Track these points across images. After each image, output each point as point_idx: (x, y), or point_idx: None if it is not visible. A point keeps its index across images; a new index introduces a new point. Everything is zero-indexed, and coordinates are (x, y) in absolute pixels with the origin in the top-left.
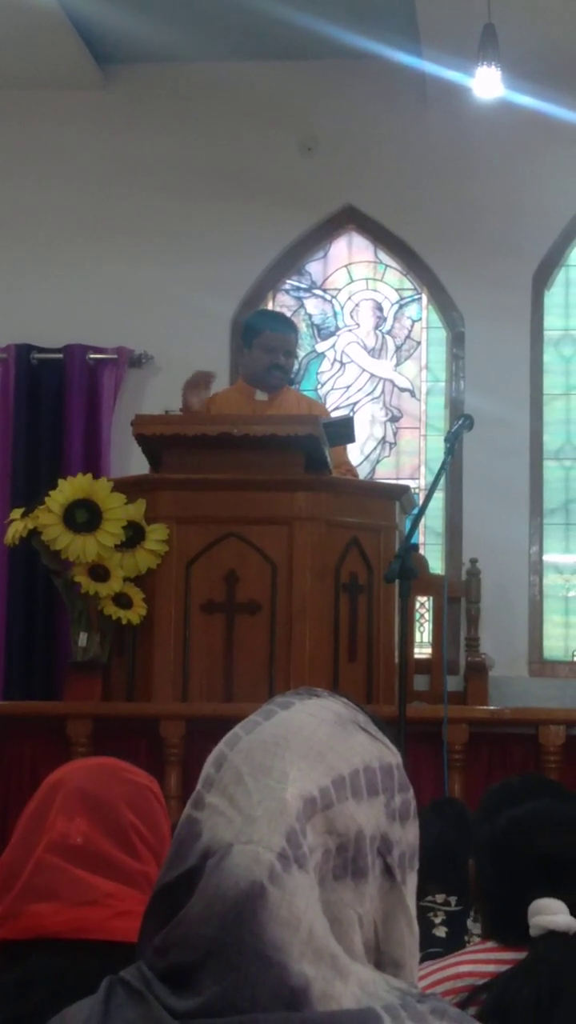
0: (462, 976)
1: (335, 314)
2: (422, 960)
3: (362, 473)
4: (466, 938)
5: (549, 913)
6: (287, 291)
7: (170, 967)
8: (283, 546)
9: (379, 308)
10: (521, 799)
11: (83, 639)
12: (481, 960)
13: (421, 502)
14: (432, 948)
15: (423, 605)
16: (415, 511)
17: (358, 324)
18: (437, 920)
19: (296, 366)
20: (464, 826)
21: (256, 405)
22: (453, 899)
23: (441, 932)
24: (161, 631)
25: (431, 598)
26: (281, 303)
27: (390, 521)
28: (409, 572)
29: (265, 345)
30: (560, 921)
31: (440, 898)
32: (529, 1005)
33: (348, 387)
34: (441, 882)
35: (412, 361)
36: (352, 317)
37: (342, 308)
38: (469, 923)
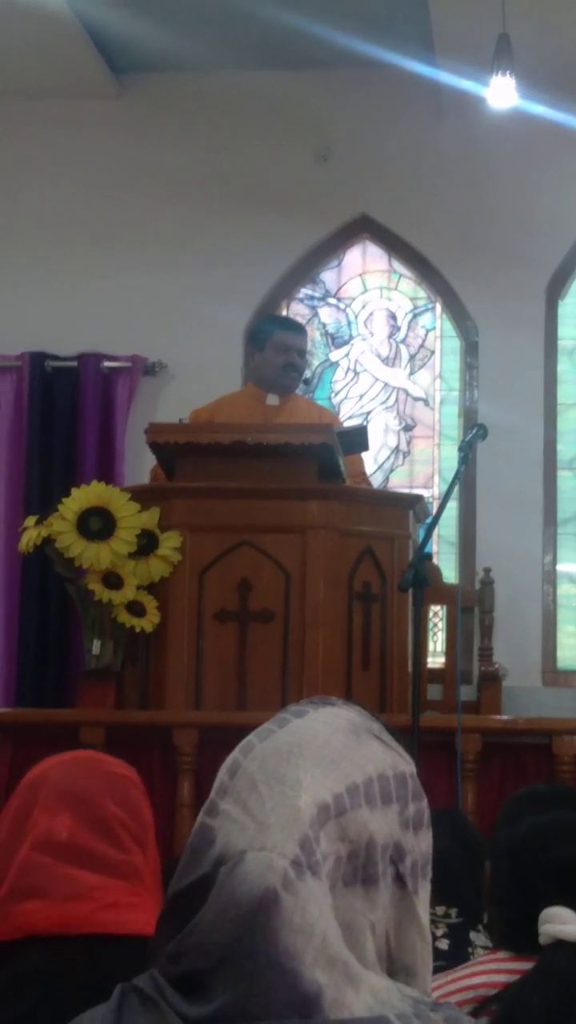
0: (474, 988)
1: (349, 323)
2: None
3: (375, 482)
4: (469, 950)
5: (560, 922)
6: (301, 300)
7: (183, 974)
8: (296, 555)
9: (393, 317)
10: (545, 807)
11: (96, 647)
12: (492, 971)
13: (435, 511)
14: (435, 962)
15: (436, 614)
16: (429, 520)
17: (372, 333)
18: (439, 933)
19: (309, 371)
20: (463, 837)
21: (267, 410)
22: (454, 911)
23: (443, 945)
24: (174, 639)
25: (444, 607)
26: (295, 312)
27: (404, 530)
28: (423, 581)
29: (278, 346)
30: (570, 931)
31: (441, 910)
32: (540, 1015)
33: (362, 396)
34: (441, 895)
35: (426, 370)
36: (366, 326)
37: (356, 317)
38: (472, 935)
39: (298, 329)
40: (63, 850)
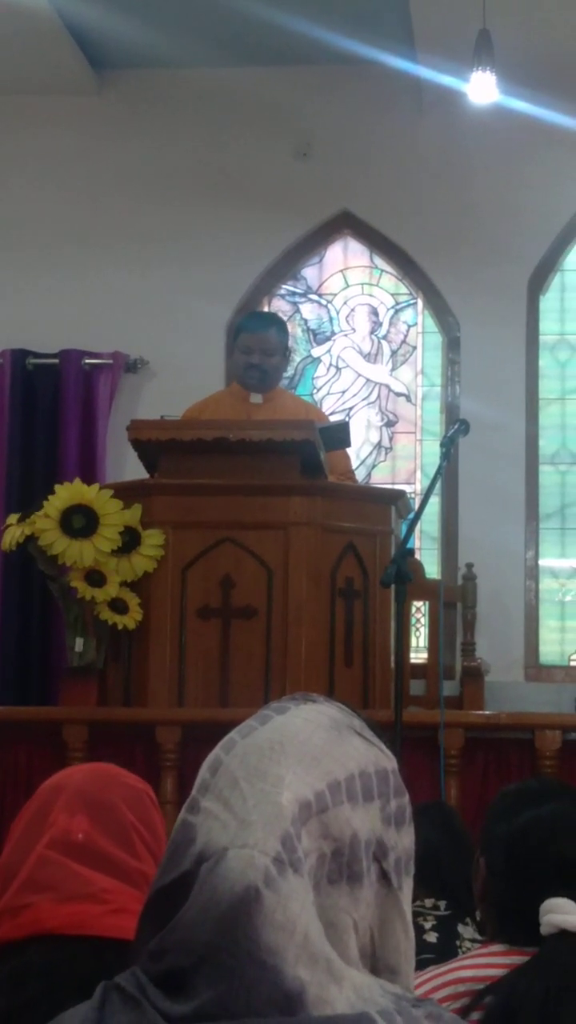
0: (464, 981)
1: (331, 319)
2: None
3: (358, 477)
4: (457, 943)
5: (562, 912)
6: (283, 296)
7: (165, 972)
8: (279, 551)
9: (375, 313)
10: (541, 801)
11: (79, 644)
12: (483, 964)
13: (417, 507)
14: (423, 954)
15: (419, 610)
16: (411, 516)
17: (354, 329)
18: (427, 925)
19: (283, 364)
20: (451, 830)
21: (250, 407)
22: (442, 903)
23: (432, 937)
24: (157, 636)
25: (427, 603)
26: (276, 308)
27: (386, 526)
28: (405, 577)
29: (241, 346)
30: (573, 921)
31: (429, 903)
32: (537, 1004)
33: (344, 392)
34: (430, 887)
35: (408, 366)
36: (348, 322)
37: (338, 313)
38: (460, 927)
39: (262, 326)
40: (78, 850)
